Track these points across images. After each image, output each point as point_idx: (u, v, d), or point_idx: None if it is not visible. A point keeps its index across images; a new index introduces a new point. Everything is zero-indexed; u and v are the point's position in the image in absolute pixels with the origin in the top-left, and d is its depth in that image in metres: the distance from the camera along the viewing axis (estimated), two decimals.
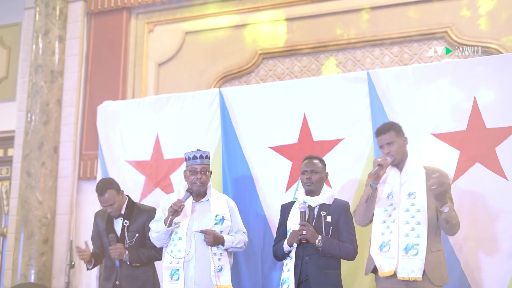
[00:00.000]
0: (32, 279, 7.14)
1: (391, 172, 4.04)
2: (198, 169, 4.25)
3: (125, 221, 4.65)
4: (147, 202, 5.40)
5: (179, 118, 5.67)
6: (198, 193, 4.31)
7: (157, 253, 4.58)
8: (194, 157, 4.28)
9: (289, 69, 6.70)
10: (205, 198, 4.32)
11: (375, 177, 3.90)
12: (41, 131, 7.31)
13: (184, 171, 4.50)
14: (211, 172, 4.44)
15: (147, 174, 5.70)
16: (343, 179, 4.99)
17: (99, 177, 5.99)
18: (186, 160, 4.39)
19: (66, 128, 7.46)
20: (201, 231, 4.19)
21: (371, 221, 4.05)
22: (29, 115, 7.40)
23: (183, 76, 7.07)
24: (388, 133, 4.06)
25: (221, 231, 4.22)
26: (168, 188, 5.56)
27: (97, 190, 4.70)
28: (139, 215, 4.70)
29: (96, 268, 5.61)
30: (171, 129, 5.69)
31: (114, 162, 5.78)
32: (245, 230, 4.48)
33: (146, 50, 7.34)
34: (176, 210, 4.12)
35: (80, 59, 7.48)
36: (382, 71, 5.13)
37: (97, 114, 6.08)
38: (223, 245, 4.22)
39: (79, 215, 7.36)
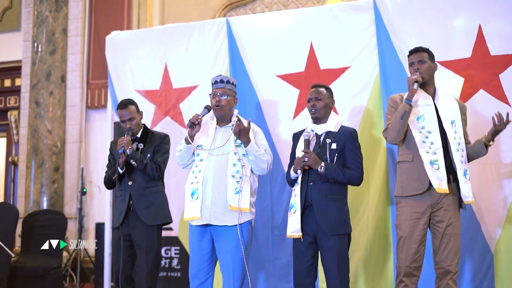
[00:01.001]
0: (45, 206, 7.35)
1: (421, 97, 4.10)
2: (217, 92, 4.31)
3: (140, 143, 4.80)
4: (157, 130, 5.48)
5: (187, 47, 5.68)
6: (220, 117, 4.34)
7: (155, 170, 4.70)
8: (215, 82, 4.33)
9: None
10: (230, 124, 4.36)
11: (409, 95, 4.00)
12: (48, 61, 7.36)
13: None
14: (236, 99, 4.44)
15: (157, 103, 5.75)
16: (349, 106, 5.08)
17: (109, 106, 6.06)
18: (211, 86, 4.42)
19: (73, 58, 7.51)
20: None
21: (403, 139, 4.10)
22: (35, 44, 7.43)
23: (188, 4, 7.05)
24: (422, 52, 4.17)
25: (243, 154, 4.21)
26: (177, 117, 5.65)
27: (119, 105, 4.85)
28: (152, 139, 4.85)
29: (109, 192, 5.79)
30: (180, 58, 5.71)
31: (124, 92, 5.82)
32: (271, 154, 4.41)
33: None
34: (193, 122, 4.18)
35: None
36: None
37: (105, 44, 6.08)
38: (245, 146, 4.19)
39: (88, 143, 7.51)
